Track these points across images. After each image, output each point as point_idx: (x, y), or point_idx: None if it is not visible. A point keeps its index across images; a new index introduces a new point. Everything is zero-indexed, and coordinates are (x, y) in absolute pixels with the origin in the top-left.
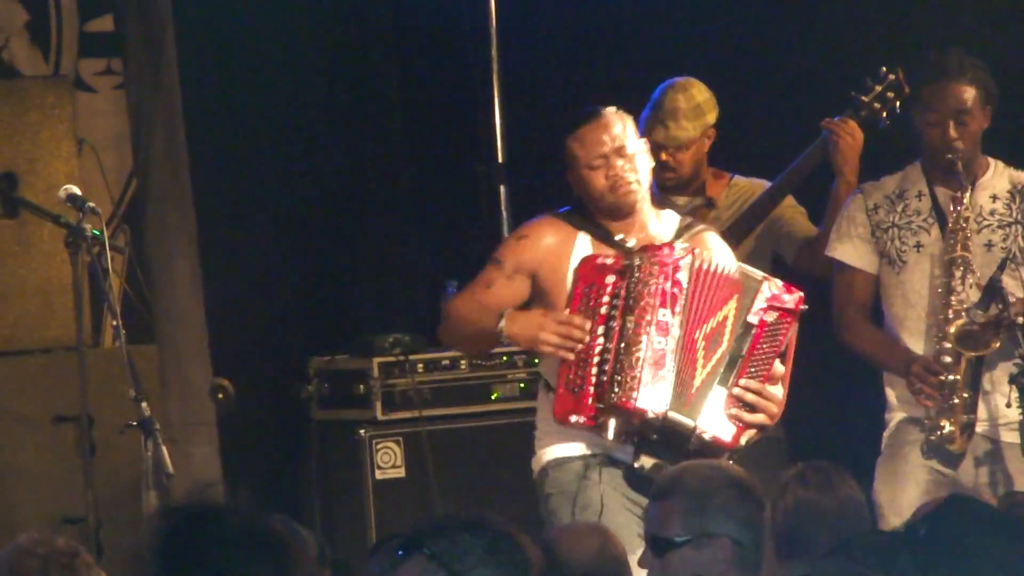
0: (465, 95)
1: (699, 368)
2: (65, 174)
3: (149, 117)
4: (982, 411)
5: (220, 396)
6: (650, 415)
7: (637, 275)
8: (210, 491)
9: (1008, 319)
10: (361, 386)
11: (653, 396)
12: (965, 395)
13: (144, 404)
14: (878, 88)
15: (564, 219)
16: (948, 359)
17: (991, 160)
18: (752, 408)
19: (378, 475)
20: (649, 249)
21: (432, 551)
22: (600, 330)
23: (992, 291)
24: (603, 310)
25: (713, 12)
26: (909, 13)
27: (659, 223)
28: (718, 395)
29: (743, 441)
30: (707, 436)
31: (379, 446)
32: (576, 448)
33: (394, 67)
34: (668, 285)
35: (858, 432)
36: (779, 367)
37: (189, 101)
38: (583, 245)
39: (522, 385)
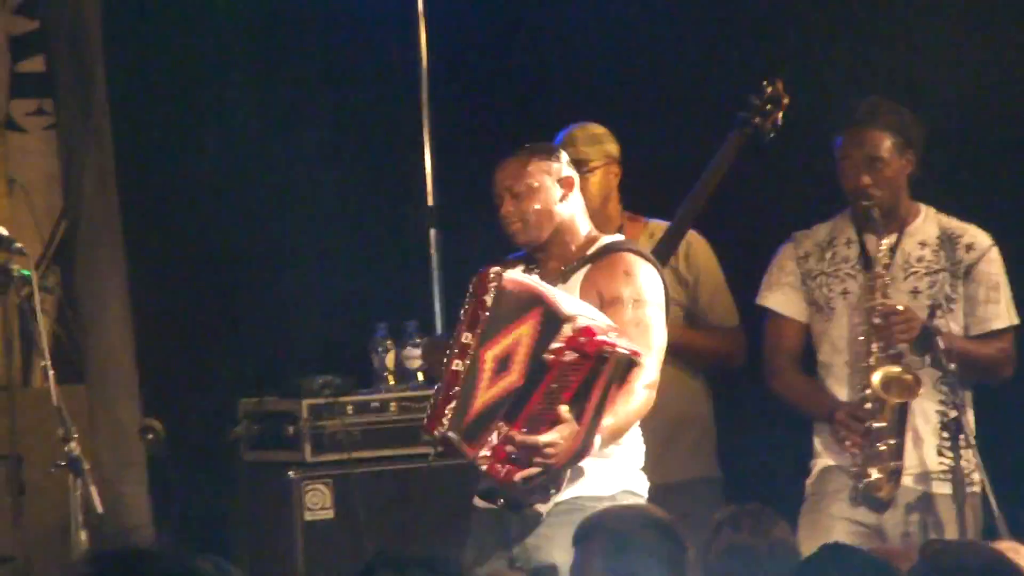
0: (396, 137)
1: (481, 391)
2: None
3: (80, 158)
4: (912, 460)
5: (150, 436)
6: (436, 435)
7: (467, 298)
8: (137, 534)
9: (942, 367)
10: (291, 428)
11: (440, 417)
12: (891, 441)
13: (73, 444)
14: (757, 103)
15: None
16: (870, 405)
17: (922, 207)
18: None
19: (307, 516)
20: (480, 272)
21: None
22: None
23: (926, 339)
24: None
25: (636, 56)
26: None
27: (579, 249)
28: (497, 428)
29: (517, 479)
30: (482, 467)
31: (308, 488)
32: None
33: (326, 110)
34: (476, 307)
35: (794, 475)
36: (566, 412)
37: (120, 142)
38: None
39: None
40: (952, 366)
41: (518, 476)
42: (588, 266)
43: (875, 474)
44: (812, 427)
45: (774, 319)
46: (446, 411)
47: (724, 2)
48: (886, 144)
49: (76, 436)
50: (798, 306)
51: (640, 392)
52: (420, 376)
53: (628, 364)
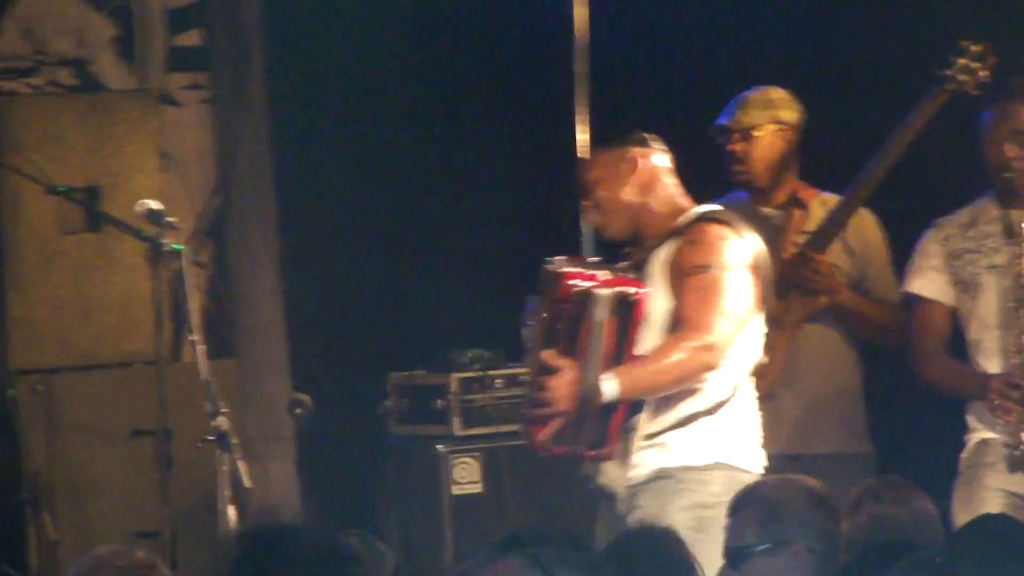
0: (549, 119)
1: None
2: (148, 188)
3: (234, 132)
4: None
5: (299, 411)
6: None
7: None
8: (284, 509)
9: None
10: (439, 401)
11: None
12: None
13: (222, 418)
14: (962, 61)
15: None
16: None
17: None
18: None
19: (455, 490)
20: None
21: (535, 554)
22: None
23: None
24: None
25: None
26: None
27: (663, 225)
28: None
29: (542, 438)
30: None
31: (457, 461)
32: None
33: (479, 93)
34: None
35: (947, 452)
36: (549, 355)
37: (275, 116)
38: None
39: None
40: None
41: (542, 436)
42: (672, 240)
43: None
44: (965, 404)
45: (921, 304)
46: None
47: None
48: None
49: (225, 411)
50: (944, 289)
51: (682, 348)
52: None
53: (624, 302)
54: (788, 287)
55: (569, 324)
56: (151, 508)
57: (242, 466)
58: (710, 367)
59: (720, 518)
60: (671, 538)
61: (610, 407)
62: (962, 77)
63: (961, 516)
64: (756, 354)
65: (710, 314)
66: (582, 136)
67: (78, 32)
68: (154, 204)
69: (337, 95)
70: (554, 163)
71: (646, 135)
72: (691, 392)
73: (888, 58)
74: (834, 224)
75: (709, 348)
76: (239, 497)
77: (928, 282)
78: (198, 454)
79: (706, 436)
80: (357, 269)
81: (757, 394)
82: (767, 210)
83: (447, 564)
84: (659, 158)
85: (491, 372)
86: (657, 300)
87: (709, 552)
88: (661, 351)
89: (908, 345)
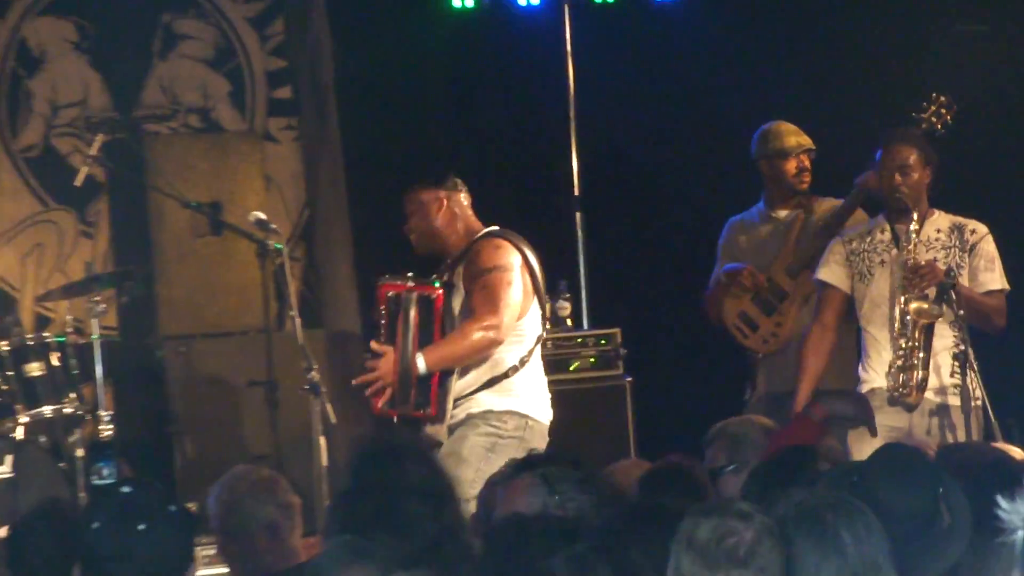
0: (552, 150)
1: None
2: (256, 204)
3: (317, 162)
4: (933, 380)
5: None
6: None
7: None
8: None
9: (956, 312)
10: None
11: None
12: (921, 355)
13: (314, 372)
14: (932, 107)
15: None
16: (907, 339)
17: (936, 210)
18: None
19: None
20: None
21: (542, 473)
22: None
23: (943, 290)
24: None
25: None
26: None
27: (459, 247)
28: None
29: (380, 405)
30: (414, 414)
31: None
32: None
33: (499, 125)
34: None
35: None
36: (375, 344)
37: (347, 149)
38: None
39: (592, 359)
40: (962, 312)
41: (380, 404)
42: (466, 254)
43: (904, 382)
44: (857, 362)
45: (825, 287)
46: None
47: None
48: (913, 156)
49: (315, 367)
50: (842, 279)
51: (471, 330)
52: (568, 322)
53: (425, 301)
54: (799, 270)
55: (389, 320)
56: (263, 438)
57: (329, 408)
58: (495, 343)
59: (510, 449)
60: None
61: (426, 377)
62: (933, 119)
63: (855, 446)
64: (538, 332)
65: (491, 303)
66: (575, 163)
67: (203, 88)
68: (261, 215)
69: (391, 133)
70: (558, 178)
71: (455, 179)
72: (490, 362)
73: (870, 98)
74: (838, 220)
75: (491, 327)
76: (328, 430)
77: (832, 273)
78: (297, 399)
79: (503, 393)
80: (410, 263)
81: (774, 347)
82: (781, 213)
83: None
84: (462, 198)
85: None
86: (456, 299)
87: (494, 468)
88: (457, 333)
89: (816, 310)
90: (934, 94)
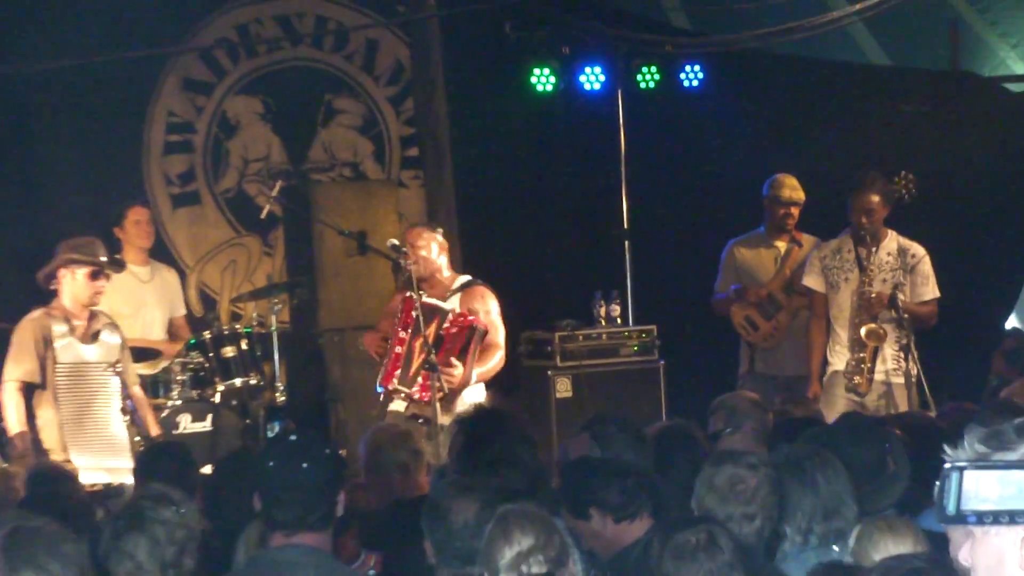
0: (606, 193)
1: (414, 360)
2: (392, 233)
3: (436, 204)
4: (880, 366)
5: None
6: (388, 387)
7: (401, 313)
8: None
9: (900, 317)
10: (549, 347)
11: (390, 377)
12: (869, 364)
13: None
14: (900, 181)
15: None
16: (861, 347)
17: (889, 231)
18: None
19: (558, 395)
20: (407, 298)
21: (597, 431)
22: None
23: (892, 302)
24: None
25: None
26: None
27: (448, 284)
28: (421, 375)
29: (429, 396)
30: (416, 396)
31: (558, 379)
32: None
33: (569, 176)
34: (406, 317)
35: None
36: (456, 361)
37: (458, 193)
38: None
39: (635, 348)
40: (905, 316)
41: (436, 397)
42: (460, 293)
43: (857, 379)
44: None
45: (812, 292)
46: (394, 374)
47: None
48: (875, 201)
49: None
50: (821, 284)
51: (500, 357)
52: (618, 320)
53: (484, 334)
54: (792, 291)
55: (462, 343)
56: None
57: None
58: (501, 366)
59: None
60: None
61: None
62: (903, 191)
63: (825, 412)
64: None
65: (500, 336)
66: (625, 207)
67: (353, 148)
68: (395, 241)
69: (491, 181)
70: (610, 219)
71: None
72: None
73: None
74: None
75: (503, 357)
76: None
77: (814, 281)
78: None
79: (477, 391)
80: (506, 277)
81: (771, 344)
82: (779, 243)
83: (553, 437)
84: (444, 244)
85: (576, 331)
86: None
87: None
88: (492, 357)
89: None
90: (903, 171)
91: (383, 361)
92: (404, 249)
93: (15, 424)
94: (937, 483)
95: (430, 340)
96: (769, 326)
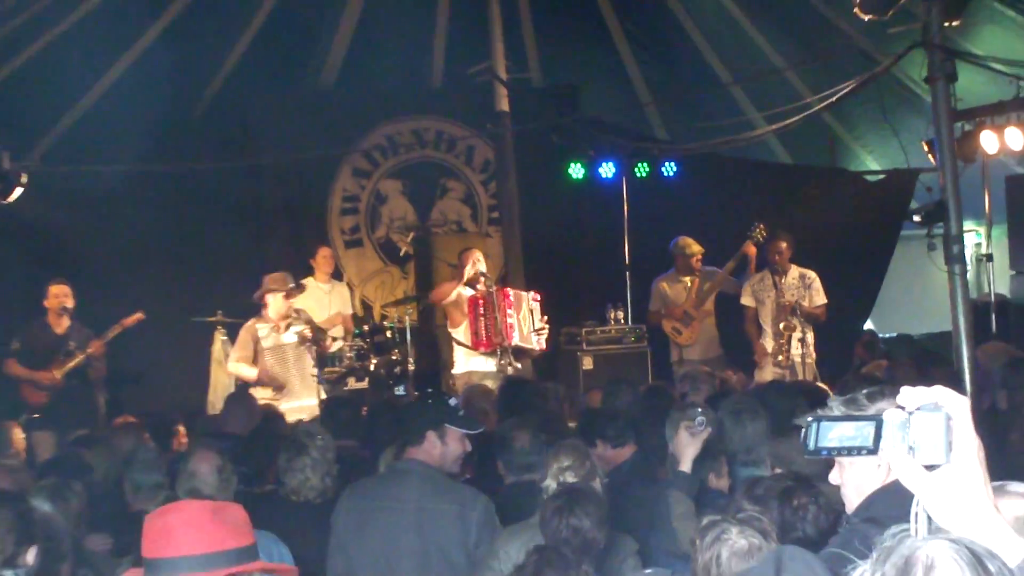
0: (615, 240)
1: (522, 327)
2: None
3: (510, 247)
4: (795, 351)
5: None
6: (513, 345)
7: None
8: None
9: (801, 318)
10: (579, 338)
11: (511, 339)
12: (787, 348)
13: None
14: (759, 228)
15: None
16: (781, 336)
17: (792, 265)
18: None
19: (583, 368)
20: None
21: (605, 390)
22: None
23: (794, 312)
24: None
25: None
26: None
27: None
28: (532, 333)
29: (541, 347)
30: (537, 348)
31: (584, 358)
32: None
33: (594, 230)
34: (503, 300)
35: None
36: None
37: (523, 241)
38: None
39: (632, 338)
40: (802, 318)
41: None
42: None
43: (780, 357)
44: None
45: (746, 308)
46: (511, 336)
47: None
48: (784, 245)
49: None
50: (751, 301)
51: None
52: (622, 321)
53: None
54: (698, 307)
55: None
56: None
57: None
58: None
59: None
60: None
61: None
62: (758, 234)
63: (759, 379)
64: None
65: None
66: (627, 248)
67: (458, 212)
68: (483, 268)
69: (544, 233)
70: (617, 258)
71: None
72: None
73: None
74: (718, 276)
75: None
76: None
77: (747, 299)
78: None
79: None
80: (552, 292)
81: (691, 342)
82: (686, 279)
83: (580, 393)
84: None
85: (595, 328)
86: None
87: None
88: None
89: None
90: (756, 222)
91: (491, 335)
92: (489, 277)
93: (251, 373)
94: (804, 429)
95: (532, 315)
96: (688, 330)
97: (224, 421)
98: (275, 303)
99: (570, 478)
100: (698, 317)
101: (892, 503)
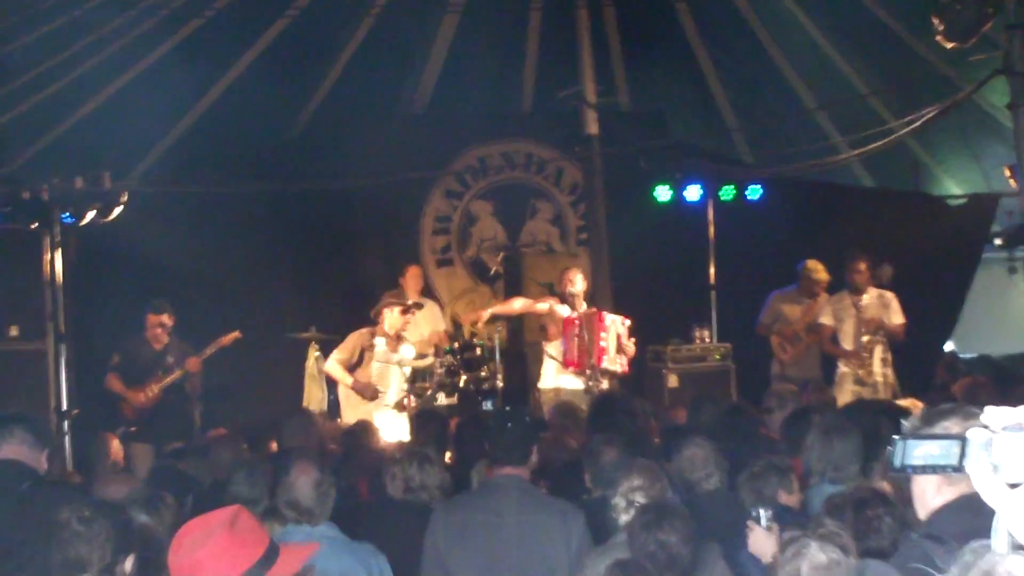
0: (702, 261)
1: (610, 350)
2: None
3: (598, 265)
4: (876, 368)
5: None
6: (601, 368)
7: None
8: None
9: (883, 337)
10: (664, 356)
11: (603, 361)
12: (870, 366)
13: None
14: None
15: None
16: (864, 350)
17: (871, 286)
18: (624, 358)
19: (668, 387)
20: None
21: (690, 406)
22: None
23: (877, 331)
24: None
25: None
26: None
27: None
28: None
29: (624, 369)
30: (620, 370)
31: (669, 376)
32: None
33: (680, 250)
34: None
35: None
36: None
37: (611, 260)
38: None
39: (718, 356)
40: (885, 336)
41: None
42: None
43: (861, 373)
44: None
45: (822, 325)
46: (602, 358)
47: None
48: (863, 267)
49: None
50: (830, 320)
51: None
52: (707, 340)
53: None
54: (808, 331)
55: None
56: None
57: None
58: None
59: None
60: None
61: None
62: (883, 278)
63: (838, 398)
64: None
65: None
66: (712, 270)
67: (547, 233)
68: (574, 288)
69: (630, 254)
70: (704, 278)
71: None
72: None
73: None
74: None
75: None
76: None
77: (827, 318)
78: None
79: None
80: (639, 311)
81: (795, 359)
82: (805, 299)
83: (665, 408)
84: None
85: (680, 346)
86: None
87: None
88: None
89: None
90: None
91: (583, 355)
92: (562, 288)
93: (345, 378)
94: (888, 448)
95: (619, 341)
96: (793, 350)
97: (282, 438)
98: (391, 318)
99: (640, 498)
100: (807, 340)
101: (954, 521)
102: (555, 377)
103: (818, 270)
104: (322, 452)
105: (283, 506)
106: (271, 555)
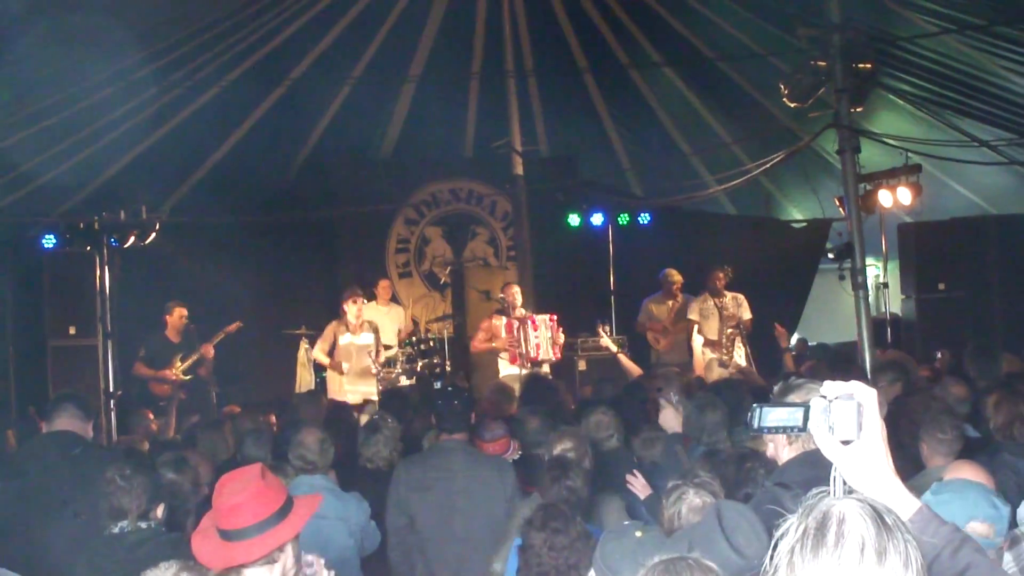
0: (603, 272)
1: (542, 343)
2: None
3: (524, 277)
4: (737, 358)
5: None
6: (540, 358)
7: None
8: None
9: (739, 329)
10: (575, 346)
11: (539, 355)
12: (730, 353)
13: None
14: (726, 271)
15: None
16: (727, 340)
17: (727, 291)
18: (557, 347)
19: (579, 369)
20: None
21: (594, 387)
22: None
23: (737, 325)
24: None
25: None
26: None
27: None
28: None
29: (559, 355)
30: (555, 358)
31: (579, 361)
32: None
33: (586, 266)
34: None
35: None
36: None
37: (534, 273)
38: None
39: (616, 346)
40: (740, 328)
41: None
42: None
43: (725, 358)
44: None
45: (691, 321)
46: (539, 351)
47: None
48: (721, 275)
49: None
50: (695, 316)
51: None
52: (608, 333)
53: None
54: (675, 324)
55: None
56: None
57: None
58: None
59: None
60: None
61: None
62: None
63: (707, 378)
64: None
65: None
66: (612, 279)
67: (483, 251)
68: (501, 295)
69: (547, 268)
70: (603, 286)
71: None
72: None
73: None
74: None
75: None
76: None
77: (693, 314)
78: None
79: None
80: (557, 312)
81: (666, 348)
82: (670, 301)
83: (576, 388)
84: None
85: (588, 338)
86: None
87: None
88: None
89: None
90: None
91: (517, 350)
92: (503, 296)
93: (325, 361)
94: (748, 414)
95: (553, 335)
96: (665, 341)
97: (299, 411)
98: (350, 309)
99: (571, 455)
100: (674, 331)
101: (799, 471)
102: (506, 370)
103: (673, 275)
104: (326, 420)
105: (294, 458)
106: (290, 502)
